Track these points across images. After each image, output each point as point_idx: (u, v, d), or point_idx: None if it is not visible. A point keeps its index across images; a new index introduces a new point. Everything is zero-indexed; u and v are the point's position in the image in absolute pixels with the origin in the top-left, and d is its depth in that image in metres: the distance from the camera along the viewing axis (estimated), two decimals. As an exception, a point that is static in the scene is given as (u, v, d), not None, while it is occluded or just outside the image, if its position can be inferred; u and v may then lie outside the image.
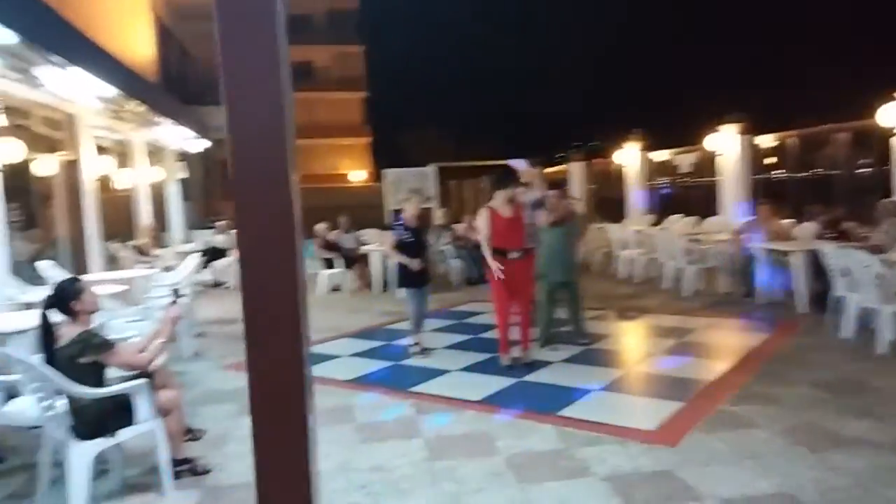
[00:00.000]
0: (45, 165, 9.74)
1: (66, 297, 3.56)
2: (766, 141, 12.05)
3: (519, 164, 6.26)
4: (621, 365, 6.01)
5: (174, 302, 3.95)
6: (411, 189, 6.46)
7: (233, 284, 11.43)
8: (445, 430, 4.44)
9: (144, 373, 3.67)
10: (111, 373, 3.69)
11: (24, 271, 8.65)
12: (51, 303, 3.54)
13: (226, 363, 6.32)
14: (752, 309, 7.96)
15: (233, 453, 4.10)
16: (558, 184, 6.86)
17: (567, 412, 4.68)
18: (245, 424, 5.06)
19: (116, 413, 3.46)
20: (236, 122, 1.63)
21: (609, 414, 4.64)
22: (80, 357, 3.42)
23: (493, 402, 4.98)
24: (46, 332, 3.46)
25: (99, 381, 3.54)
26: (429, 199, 14.45)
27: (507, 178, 5.97)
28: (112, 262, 10.99)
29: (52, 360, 3.41)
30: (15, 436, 4.24)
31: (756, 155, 12.23)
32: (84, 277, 8.44)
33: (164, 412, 3.70)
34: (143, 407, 3.52)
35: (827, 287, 6.79)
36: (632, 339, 7.19)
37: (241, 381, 5.60)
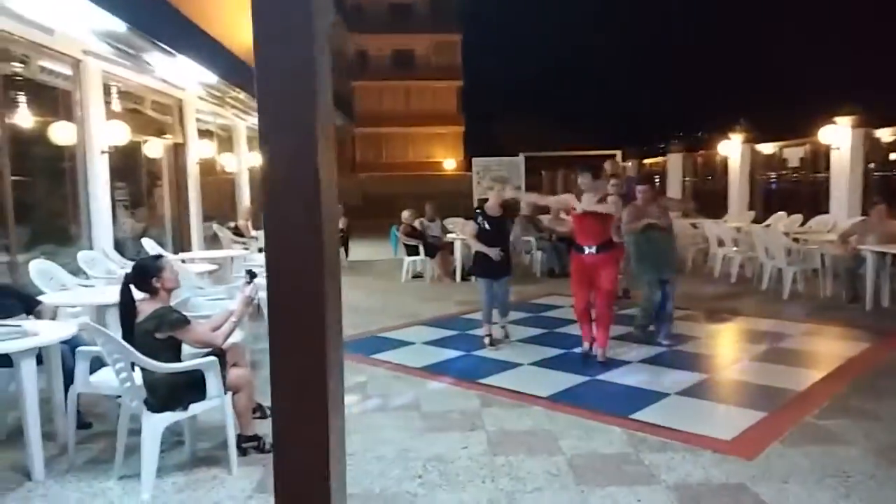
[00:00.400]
0: (155, 148, 10.34)
1: (147, 274, 3.74)
2: (888, 135, 11.11)
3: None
4: (705, 369, 5.69)
5: (249, 282, 4.07)
6: (494, 178, 6.35)
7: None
8: (509, 425, 4.37)
9: (218, 350, 3.81)
10: (188, 349, 3.85)
11: (131, 247, 9.24)
12: (132, 279, 3.72)
13: (304, 344, 6.48)
14: (857, 316, 7.38)
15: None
16: (650, 177, 6.50)
17: (639, 415, 4.50)
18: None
19: (188, 388, 3.60)
20: (267, 117, 1.63)
21: (684, 420, 4.41)
22: (156, 332, 3.58)
23: (562, 399, 4.85)
24: (127, 306, 3.65)
25: (175, 357, 3.70)
26: (517, 189, 14.29)
27: (592, 170, 5.78)
28: (212, 242, 11.58)
29: (131, 334, 3.60)
30: (103, 403, 4.52)
31: (876, 150, 11.32)
32: (178, 255, 8.92)
33: (234, 389, 3.83)
34: (213, 383, 3.65)
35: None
36: (720, 343, 6.83)
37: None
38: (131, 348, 3.45)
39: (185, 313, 3.84)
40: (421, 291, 9.65)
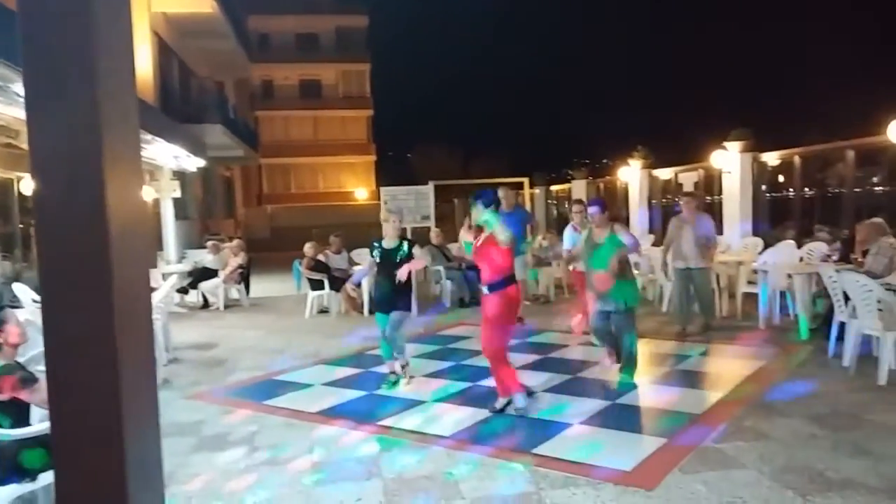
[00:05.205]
0: (30, 184, 9.60)
1: (-13, 329, 3.32)
2: (773, 158, 11.71)
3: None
4: (606, 395, 5.65)
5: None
6: (389, 209, 6.09)
7: (221, 305, 11.18)
8: (408, 471, 4.13)
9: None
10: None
11: (2, 293, 8.49)
12: (-30, 335, 3.30)
13: (193, 392, 6.06)
14: (752, 334, 7.61)
15: (177, 496, 3.81)
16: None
17: (542, 449, 4.37)
18: (196, 462, 4.73)
19: (36, 454, 3.19)
20: (38, 142, 1.38)
21: (586, 452, 4.31)
22: (-3, 394, 3.16)
23: (465, 437, 4.66)
24: (-37, 366, 3.22)
25: (22, 419, 3.28)
26: (425, 219, 14.20)
27: (479, 199, 5.12)
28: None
29: (-32, 396, 3.17)
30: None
31: (763, 173, 11.89)
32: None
33: (95, 452, 3.43)
34: (68, 448, 3.24)
35: (831, 312, 6.46)
36: (623, 366, 6.83)
37: (204, 412, 5.35)
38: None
39: (35, 370, 3.43)
40: (325, 328, 9.28)
